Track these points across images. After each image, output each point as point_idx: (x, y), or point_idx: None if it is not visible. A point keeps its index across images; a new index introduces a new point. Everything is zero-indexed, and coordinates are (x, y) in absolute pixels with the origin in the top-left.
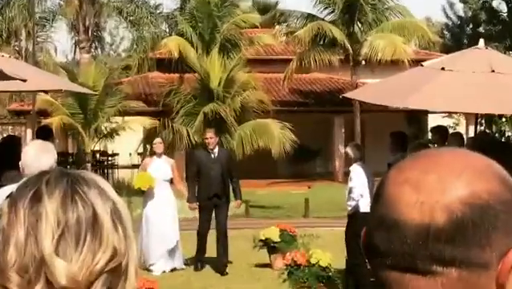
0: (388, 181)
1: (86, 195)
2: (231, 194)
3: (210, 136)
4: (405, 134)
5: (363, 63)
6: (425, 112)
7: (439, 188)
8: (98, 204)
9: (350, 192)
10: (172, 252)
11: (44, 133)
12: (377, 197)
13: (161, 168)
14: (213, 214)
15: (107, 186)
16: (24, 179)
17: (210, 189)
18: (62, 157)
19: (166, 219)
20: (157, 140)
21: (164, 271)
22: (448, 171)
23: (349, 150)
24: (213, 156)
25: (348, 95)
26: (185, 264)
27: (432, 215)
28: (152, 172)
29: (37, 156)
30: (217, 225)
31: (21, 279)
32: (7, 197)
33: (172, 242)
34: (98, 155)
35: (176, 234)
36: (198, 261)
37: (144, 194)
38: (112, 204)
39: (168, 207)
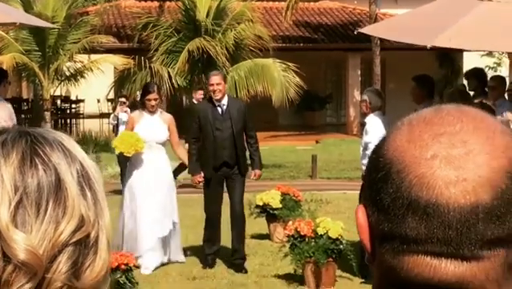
0: (405, 156)
1: (48, 157)
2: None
3: (217, 81)
4: (431, 78)
5: None
6: (460, 50)
7: (476, 160)
8: (62, 167)
9: (365, 148)
10: (167, 241)
11: None
12: (392, 175)
13: (155, 127)
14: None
15: (75, 146)
16: None
17: (217, 156)
18: (15, 104)
19: (161, 197)
20: (153, 95)
21: (157, 268)
22: (477, 138)
23: (366, 97)
24: (220, 110)
25: (365, 30)
26: (185, 255)
27: (477, 193)
28: (141, 131)
29: None
30: (231, 205)
31: None
32: None
33: (167, 228)
34: (59, 101)
35: (173, 216)
36: (208, 255)
37: (129, 162)
38: (80, 166)
39: (162, 181)
